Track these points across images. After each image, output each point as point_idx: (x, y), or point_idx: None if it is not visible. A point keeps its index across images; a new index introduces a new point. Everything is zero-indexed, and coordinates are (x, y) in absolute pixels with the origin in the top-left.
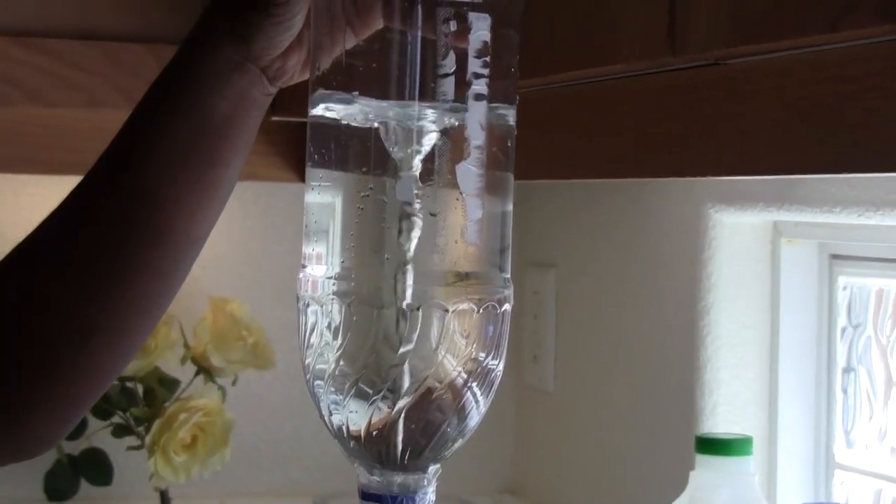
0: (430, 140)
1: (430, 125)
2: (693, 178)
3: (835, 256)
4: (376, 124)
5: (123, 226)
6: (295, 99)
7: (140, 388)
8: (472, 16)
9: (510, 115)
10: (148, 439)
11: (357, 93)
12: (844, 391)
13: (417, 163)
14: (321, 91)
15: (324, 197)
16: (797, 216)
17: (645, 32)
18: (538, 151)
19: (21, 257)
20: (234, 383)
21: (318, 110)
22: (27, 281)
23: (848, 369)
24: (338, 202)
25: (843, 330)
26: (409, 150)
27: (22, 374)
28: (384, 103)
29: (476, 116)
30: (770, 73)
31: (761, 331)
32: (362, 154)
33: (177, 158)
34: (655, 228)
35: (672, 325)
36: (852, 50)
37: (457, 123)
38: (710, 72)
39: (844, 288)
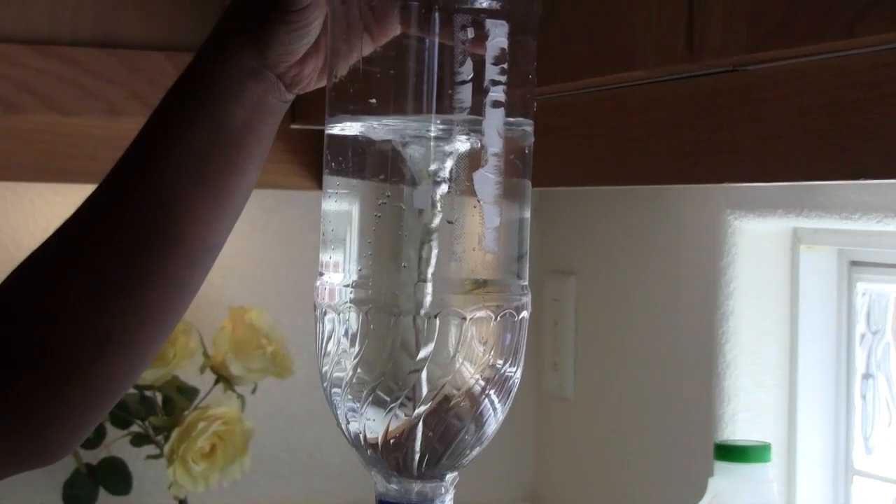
0: (448, 163)
1: (447, 146)
2: (712, 185)
3: (854, 263)
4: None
5: (139, 232)
6: (314, 107)
7: (159, 397)
8: (489, 22)
9: (528, 122)
10: (167, 448)
11: (374, 101)
12: (863, 397)
13: (436, 177)
14: (339, 115)
15: (341, 205)
16: (816, 223)
17: (663, 39)
18: (557, 159)
19: (37, 263)
20: (253, 392)
21: (335, 129)
22: (43, 287)
23: (867, 375)
24: (355, 210)
25: (863, 336)
26: (427, 170)
27: (38, 380)
28: (401, 122)
29: (494, 124)
30: (789, 80)
31: (780, 337)
32: (380, 162)
33: (193, 166)
34: (675, 235)
35: (691, 332)
36: (871, 56)
37: (476, 143)
38: (729, 78)
39: (863, 294)
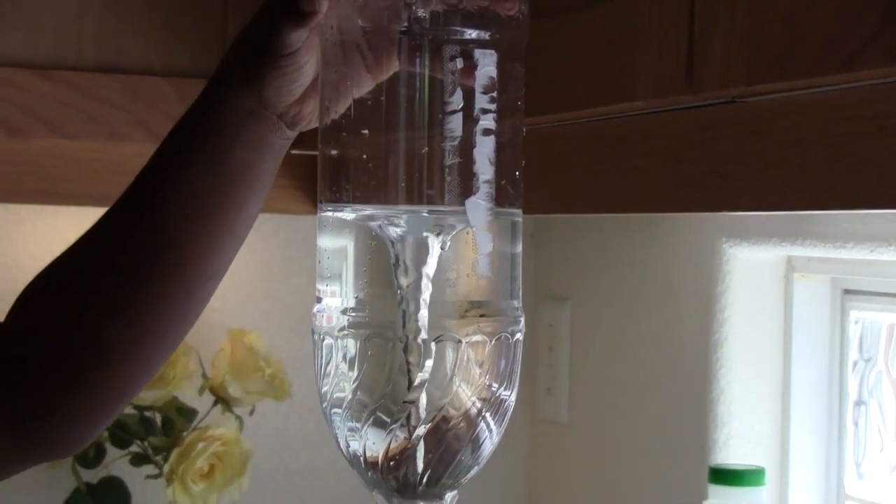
0: (435, 255)
1: (434, 236)
2: (707, 214)
3: (847, 291)
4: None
5: (139, 260)
6: (314, 132)
7: (158, 418)
8: (478, 52)
9: (517, 148)
10: (166, 468)
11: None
12: (855, 424)
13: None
14: (327, 205)
15: (336, 232)
16: (810, 251)
17: (663, 71)
18: (556, 186)
19: (45, 281)
20: (251, 413)
21: (327, 212)
22: (47, 300)
23: (859, 402)
24: (351, 238)
25: (855, 364)
26: (417, 264)
27: (40, 385)
28: (389, 211)
29: (484, 151)
30: (786, 112)
31: (774, 364)
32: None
33: (192, 201)
34: (670, 262)
35: (685, 358)
36: (867, 90)
37: (462, 227)
38: (728, 109)
39: (856, 322)
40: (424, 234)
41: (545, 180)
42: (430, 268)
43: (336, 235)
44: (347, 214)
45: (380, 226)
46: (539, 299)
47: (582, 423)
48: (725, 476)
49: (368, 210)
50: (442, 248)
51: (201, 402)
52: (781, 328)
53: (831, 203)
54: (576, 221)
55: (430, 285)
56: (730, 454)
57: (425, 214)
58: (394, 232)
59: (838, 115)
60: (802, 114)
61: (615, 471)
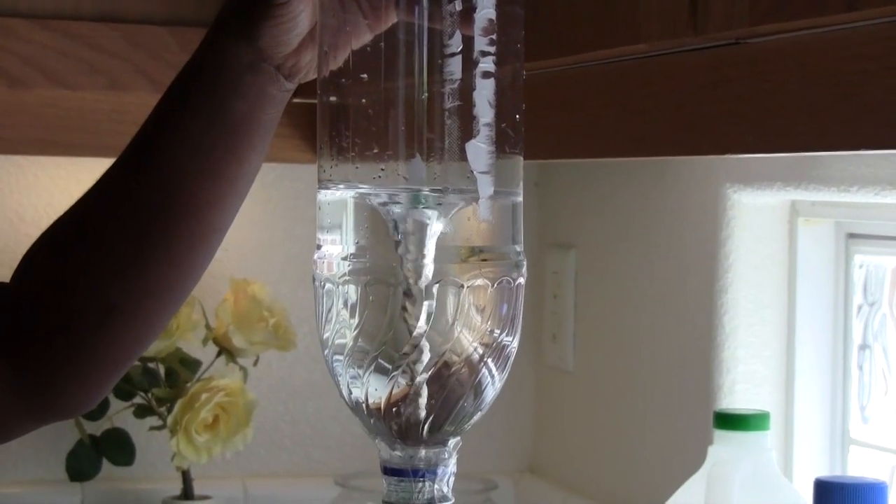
0: (435, 235)
1: (432, 212)
2: (712, 158)
3: (851, 235)
4: (382, 199)
5: (143, 215)
6: (315, 81)
7: (162, 369)
8: None
9: (518, 91)
10: (170, 420)
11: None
12: (860, 368)
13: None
14: (326, 183)
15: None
16: (814, 196)
17: (667, 13)
18: (560, 131)
19: (51, 238)
20: (255, 364)
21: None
22: (53, 257)
23: (864, 346)
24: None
25: (859, 308)
26: (419, 243)
27: (48, 346)
28: (389, 191)
29: (484, 94)
30: (791, 53)
31: (778, 309)
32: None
33: (196, 154)
34: (674, 209)
35: (690, 304)
36: (872, 29)
37: (463, 206)
38: (732, 51)
39: (860, 266)
40: (426, 212)
41: (549, 125)
42: (429, 248)
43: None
44: (346, 193)
45: (380, 204)
46: (544, 247)
47: (587, 370)
48: (730, 421)
49: (367, 189)
50: (444, 230)
51: (205, 353)
52: (786, 273)
53: (838, 144)
54: (579, 169)
55: (432, 262)
56: (735, 399)
57: (427, 193)
58: (395, 210)
59: (844, 55)
60: (807, 54)
61: (621, 417)
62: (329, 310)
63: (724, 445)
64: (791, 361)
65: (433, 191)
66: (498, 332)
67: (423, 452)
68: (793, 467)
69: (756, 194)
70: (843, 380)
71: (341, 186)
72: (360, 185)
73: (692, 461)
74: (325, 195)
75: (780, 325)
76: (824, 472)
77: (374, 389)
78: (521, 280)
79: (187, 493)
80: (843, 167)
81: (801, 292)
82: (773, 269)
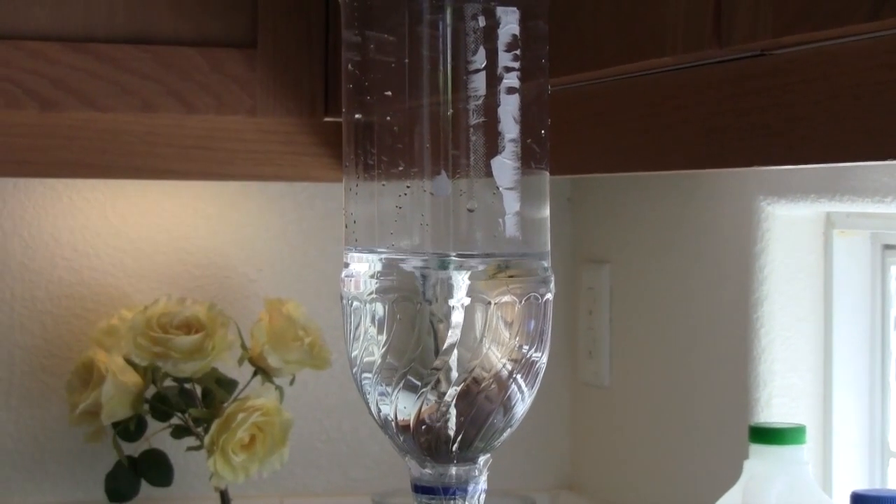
0: (462, 289)
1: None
2: (745, 171)
3: (887, 246)
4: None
5: None
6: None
7: (198, 390)
8: (500, 10)
9: (542, 107)
10: (207, 440)
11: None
12: None
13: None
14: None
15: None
16: (849, 207)
17: (691, 26)
18: (586, 146)
19: None
20: (291, 383)
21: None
22: None
23: None
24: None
25: None
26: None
27: None
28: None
29: (509, 110)
30: (816, 63)
31: (815, 322)
32: (401, 154)
33: None
34: (708, 222)
35: (726, 318)
36: None
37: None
38: (757, 63)
39: None
40: (451, 273)
41: (575, 141)
42: (458, 308)
43: (365, 204)
44: (374, 258)
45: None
46: (578, 263)
47: (623, 386)
48: (765, 435)
49: (395, 255)
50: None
51: (241, 374)
52: (822, 285)
53: (865, 154)
54: (613, 184)
55: (458, 331)
56: (772, 413)
57: (453, 258)
58: (421, 272)
59: (868, 64)
60: (832, 64)
61: (657, 432)
62: (357, 327)
63: (760, 459)
64: (828, 374)
65: (459, 255)
66: (527, 347)
67: (453, 470)
68: (832, 481)
69: (790, 206)
70: (881, 391)
71: (368, 251)
72: (384, 251)
73: (729, 476)
74: (353, 198)
75: (816, 337)
76: (863, 486)
77: (403, 407)
78: (549, 296)
79: None
80: (877, 178)
81: (838, 304)
82: (808, 282)
